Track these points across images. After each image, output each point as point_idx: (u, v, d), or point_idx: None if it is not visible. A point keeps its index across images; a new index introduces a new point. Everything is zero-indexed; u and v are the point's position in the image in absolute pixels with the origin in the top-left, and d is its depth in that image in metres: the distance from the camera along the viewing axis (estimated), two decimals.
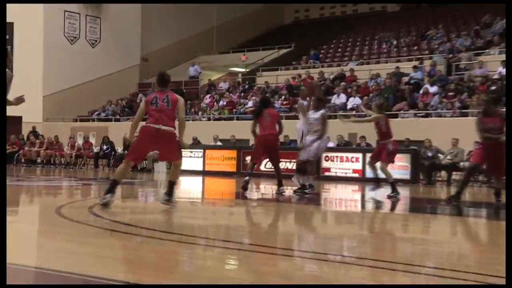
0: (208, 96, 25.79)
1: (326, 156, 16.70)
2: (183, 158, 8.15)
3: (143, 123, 7.48)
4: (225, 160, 18.91)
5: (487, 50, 21.83)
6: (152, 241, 5.18)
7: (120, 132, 22.26)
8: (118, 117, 26.26)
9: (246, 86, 26.16)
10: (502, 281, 3.80)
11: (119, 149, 21.56)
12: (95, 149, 22.61)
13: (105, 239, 5.26)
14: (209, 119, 23.33)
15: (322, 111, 10.53)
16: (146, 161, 20.40)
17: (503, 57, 19.88)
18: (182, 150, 7.83)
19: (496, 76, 18.82)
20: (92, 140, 23.98)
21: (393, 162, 10.90)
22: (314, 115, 10.53)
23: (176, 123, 7.43)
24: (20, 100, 6.95)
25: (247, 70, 30.20)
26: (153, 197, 11.06)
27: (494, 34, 22.85)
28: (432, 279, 3.92)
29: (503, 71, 18.90)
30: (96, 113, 27.40)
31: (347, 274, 4.13)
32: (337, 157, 16.71)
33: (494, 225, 7.71)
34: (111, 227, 5.96)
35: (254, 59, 30.60)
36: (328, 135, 10.94)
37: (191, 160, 18.84)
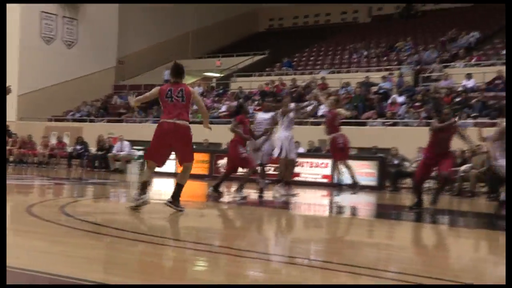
0: None
1: (296, 162, 17.01)
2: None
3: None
4: (197, 163, 19.04)
5: (452, 63, 22.42)
6: (122, 241, 5.20)
7: (94, 133, 22.37)
8: (92, 118, 26.25)
9: (220, 91, 26.41)
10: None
11: (93, 149, 21.66)
12: (69, 149, 22.62)
13: (76, 238, 5.24)
14: None
15: (272, 113, 10.98)
16: (119, 162, 20.53)
17: (467, 70, 20.61)
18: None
19: (460, 89, 19.37)
20: (66, 140, 23.89)
21: (347, 156, 11.22)
22: (264, 115, 10.97)
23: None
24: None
25: (222, 75, 30.29)
26: (125, 198, 11.19)
27: (460, 48, 23.58)
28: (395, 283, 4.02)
29: (467, 83, 19.55)
30: (71, 113, 27.29)
31: (313, 278, 4.20)
32: (307, 162, 16.98)
33: (454, 231, 8.07)
34: (82, 226, 5.97)
35: (229, 65, 30.71)
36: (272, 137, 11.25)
37: None
